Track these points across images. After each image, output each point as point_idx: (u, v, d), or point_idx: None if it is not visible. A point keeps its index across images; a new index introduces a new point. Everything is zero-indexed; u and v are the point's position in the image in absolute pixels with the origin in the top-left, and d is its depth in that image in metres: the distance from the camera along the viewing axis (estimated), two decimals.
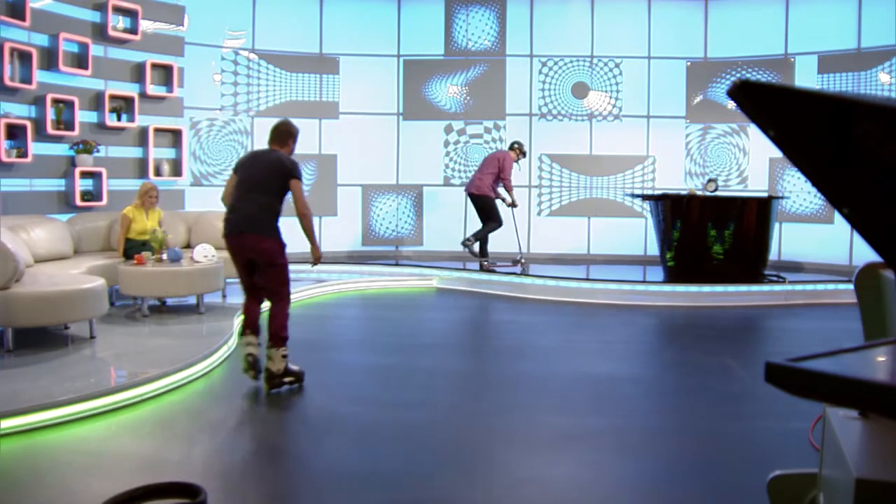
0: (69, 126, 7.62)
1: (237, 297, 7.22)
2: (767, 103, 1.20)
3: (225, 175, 9.66)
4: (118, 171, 8.24)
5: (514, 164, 9.22)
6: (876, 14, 9.18)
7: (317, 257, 4.94)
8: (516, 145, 9.26)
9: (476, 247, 9.09)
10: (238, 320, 6.27)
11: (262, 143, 9.84)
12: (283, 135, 4.81)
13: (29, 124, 7.15)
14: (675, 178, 10.31)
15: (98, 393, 4.05)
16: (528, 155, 10.15)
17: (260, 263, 4.69)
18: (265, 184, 4.61)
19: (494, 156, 9.18)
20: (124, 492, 2.89)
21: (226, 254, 7.13)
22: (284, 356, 4.55)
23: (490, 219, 9.11)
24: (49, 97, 7.37)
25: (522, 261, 9.21)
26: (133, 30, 8.31)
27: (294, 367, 4.64)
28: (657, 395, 4.86)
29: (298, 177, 4.68)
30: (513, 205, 9.19)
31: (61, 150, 7.66)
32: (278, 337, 4.58)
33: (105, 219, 7.52)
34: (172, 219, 7.81)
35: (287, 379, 4.57)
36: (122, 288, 6.35)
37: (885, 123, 1.13)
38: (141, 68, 8.44)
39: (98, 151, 7.88)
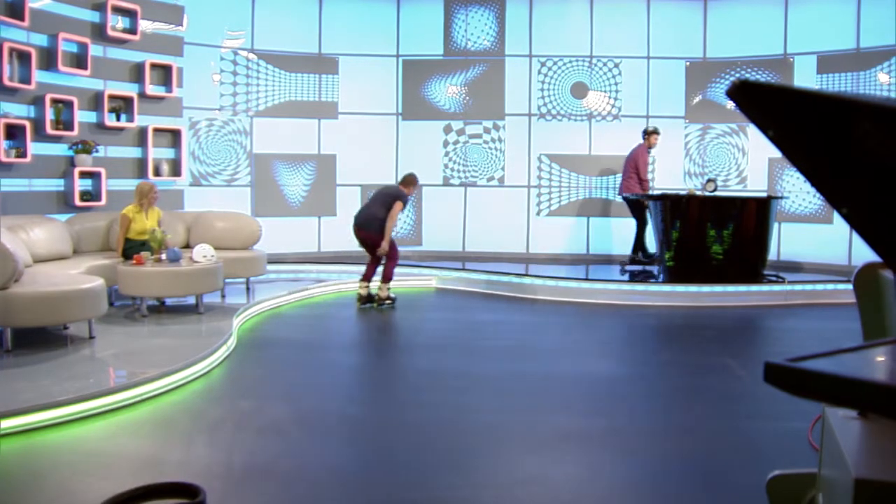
0: (68, 126, 7.62)
1: (236, 298, 7.27)
2: (766, 103, 1.20)
3: (224, 175, 9.69)
4: (117, 171, 8.23)
5: (650, 151, 9.28)
6: (875, 14, 9.19)
7: (384, 250, 7.36)
8: (644, 134, 9.26)
9: (640, 255, 9.28)
10: (235, 321, 6.30)
11: (261, 143, 9.97)
12: (409, 182, 7.62)
13: (28, 124, 7.14)
14: (675, 178, 10.31)
15: (97, 393, 4.05)
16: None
17: (374, 246, 7.38)
18: (382, 202, 7.36)
19: (630, 155, 9.26)
20: (124, 492, 2.89)
21: (224, 254, 7.22)
22: (389, 288, 7.51)
23: (638, 219, 9.23)
24: (48, 97, 7.37)
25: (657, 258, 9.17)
26: (132, 30, 8.30)
27: (392, 295, 7.55)
28: (656, 395, 4.86)
29: (402, 200, 7.37)
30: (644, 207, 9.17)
31: (60, 150, 7.66)
32: (388, 278, 7.51)
33: (104, 219, 7.52)
34: (171, 219, 7.81)
35: (388, 301, 7.49)
36: (122, 288, 6.34)
37: (885, 123, 1.13)
38: (140, 68, 8.44)
39: (97, 151, 7.87)
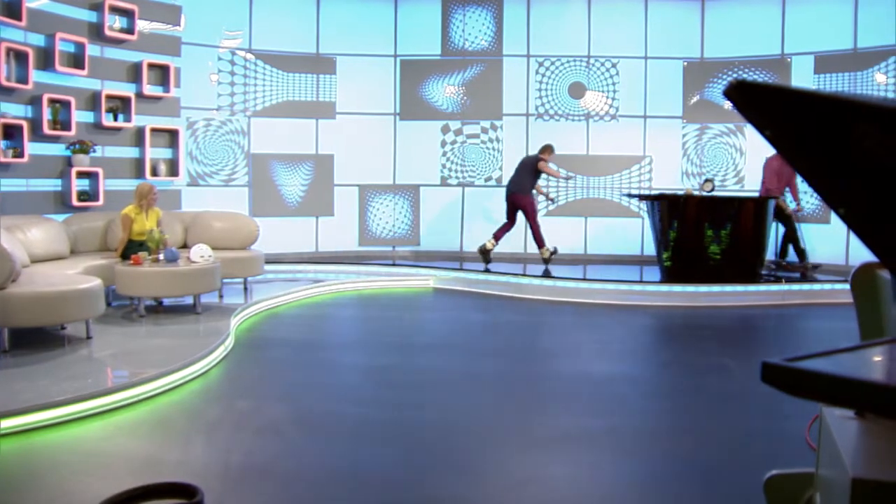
0: (66, 126, 7.61)
1: (234, 298, 7.27)
2: (763, 103, 1.20)
3: (221, 175, 9.69)
4: (115, 172, 8.22)
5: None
6: (872, 14, 9.21)
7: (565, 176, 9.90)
8: None
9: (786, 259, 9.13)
10: (233, 321, 6.30)
11: (259, 143, 9.97)
12: (545, 150, 9.30)
13: (25, 124, 7.13)
14: (672, 179, 10.33)
15: (95, 393, 4.04)
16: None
17: (520, 207, 9.19)
18: (524, 170, 9.22)
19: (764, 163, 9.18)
20: (122, 492, 2.89)
21: (221, 254, 7.22)
22: (545, 250, 9.24)
23: (783, 225, 9.13)
24: (45, 97, 7.36)
25: (808, 265, 8.95)
26: (129, 30, 8.29)
27: (552, 250, 9.24)
28: (654, 395, 4.86)
29: (542, 159, 9.20)
30: (791, 212, 8.97)
31: (58, 150, 7.65)
32: (539, 241, 9.25)
33: (102, 219, 7.50)
34: (169, 219, 7.80)
35: (550, 258, 9.21)
36: (119, 288, 6.33)
37: (882, 124, 1.13)
38: (137, 68, 8.43)
39: (94, 151, 7.86)
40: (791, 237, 9.12)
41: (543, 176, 9.42)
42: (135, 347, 5.27)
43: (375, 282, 8.96)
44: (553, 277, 8.41)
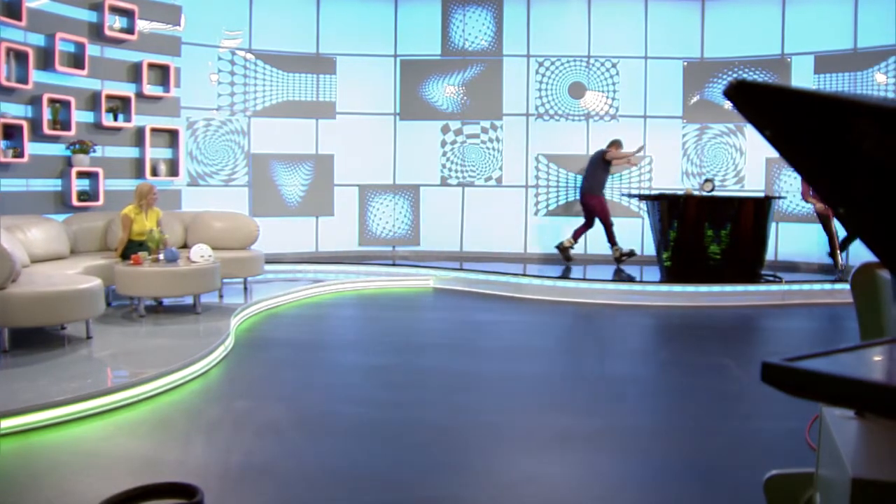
0: (66, 126, 7.61)
1: (234, 298, 7.27)
2: (763, 103, 1.20)
3: (221, 175, 9.68)
4: (115, 172, 8.22)
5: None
6: (872, 14, 9.21)
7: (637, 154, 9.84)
8: None
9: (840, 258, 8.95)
10: (233, 320, 6.29)
11: (259, 143, 9.96)
12: (611, 144, 9.60)
13: (25, 124, 7.14)
14: (672, 179, 10.32)
15: (95, 393, 4.04)
16: (526, 155, 10.27)
17: (591, 208, 9.45)
18: (596, 167, 9.50)
19: None
20: (121, 492, 2.89)
21: (221, 253, 7.22)
22: (616, 249, 9.45)
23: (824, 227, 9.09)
24: (45, 97, 7.36)
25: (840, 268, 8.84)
26: (130, 30, 8.29)
27: (625, 251, 9.45)
28: (654, 394, 4.86)
29: (609, 152, 9.46)
30: (822, 212, 8.88)
31: (58, 150, 7.65)
32: (612, 241, 9.47)
33: (102, 219, 7.50)
34: (169, 219, 7.80)
35: (625, 256, 9.42)
36: (119, 288, 6.34)
37: (882, 124, 1.13)
38: (137, 68, 8.43)
39: (94, 151, 7.86)
40: (829, 237, 8.91)
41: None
42: (135, 347, 5.27)
43: (375, 282, 8.96)
44: (553, 277, 8.41)
